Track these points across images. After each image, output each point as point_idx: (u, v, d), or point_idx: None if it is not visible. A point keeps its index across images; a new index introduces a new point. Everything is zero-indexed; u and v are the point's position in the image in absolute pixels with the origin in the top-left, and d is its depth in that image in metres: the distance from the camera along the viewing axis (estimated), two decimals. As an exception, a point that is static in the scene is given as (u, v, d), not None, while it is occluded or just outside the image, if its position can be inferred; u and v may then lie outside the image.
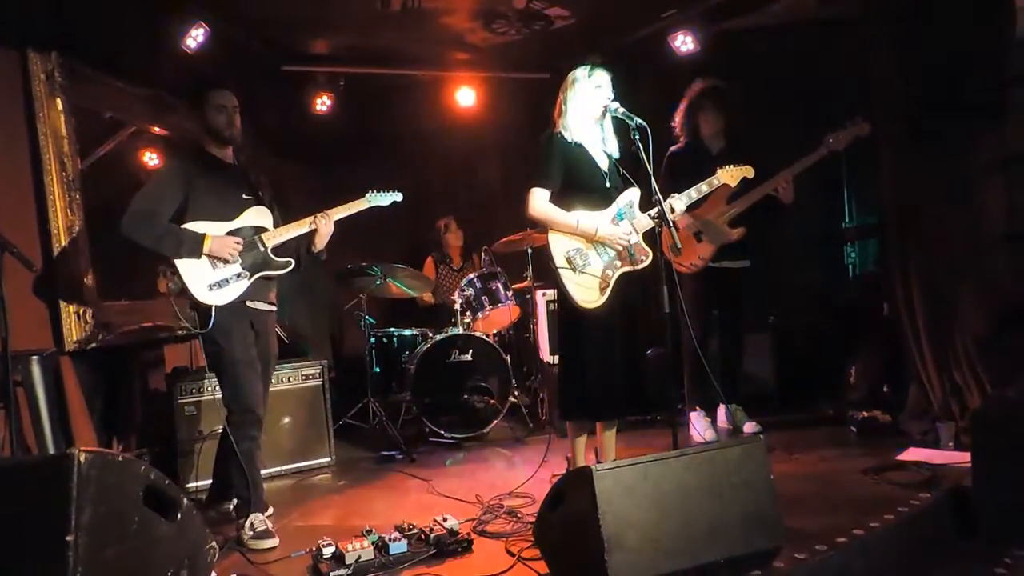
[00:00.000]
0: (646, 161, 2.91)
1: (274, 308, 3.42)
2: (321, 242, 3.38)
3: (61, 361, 3.50)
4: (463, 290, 5.14)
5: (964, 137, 3.84)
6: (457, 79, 6.11)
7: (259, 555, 2.91)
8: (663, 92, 5.31)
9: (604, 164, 3.22)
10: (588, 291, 3.05)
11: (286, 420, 4.28)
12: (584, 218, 3.08)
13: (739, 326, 4.44)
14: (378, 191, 3.58)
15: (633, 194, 3.19)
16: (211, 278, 3.11)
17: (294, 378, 4.35)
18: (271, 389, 4.09)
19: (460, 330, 5.01)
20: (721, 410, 4.37)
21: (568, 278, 3.04)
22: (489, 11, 4.94)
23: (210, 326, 3.09)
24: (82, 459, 1.64)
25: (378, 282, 4.93)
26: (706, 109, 4.27)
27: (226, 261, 3.13)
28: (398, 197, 3.64)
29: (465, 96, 6.15)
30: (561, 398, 3.27)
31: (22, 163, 3.62)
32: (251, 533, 3.06)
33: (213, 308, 3.09)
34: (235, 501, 3.31)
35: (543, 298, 5.39)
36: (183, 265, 3.08)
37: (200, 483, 3.83)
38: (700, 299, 4.27)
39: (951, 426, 3.73)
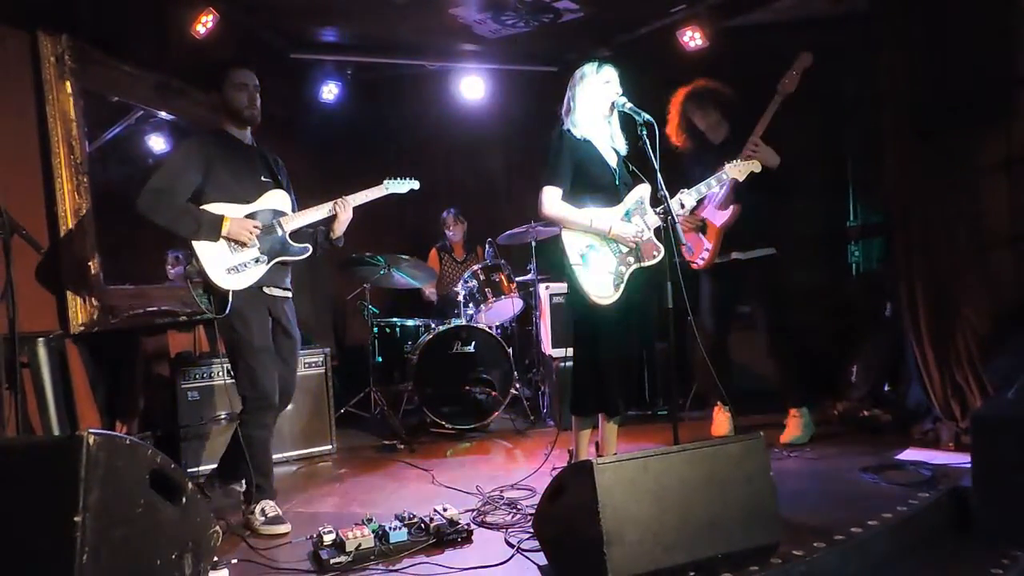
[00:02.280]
0: (653, 157, 2.92)
1: (289, 293, 3.37)
2: (340, 228, 3.36)
3: (67, 344, 3.52)
4: (466, 282, 5.15)
5: (969, 137, 3.84)
6: (465, 70, 6.10)
7: (261, 540, 2.93)
8: (671, 88, 5.30)
9: (613, 161, 3.23)
10: (603, 287, 3.05)
11: (288, 407, 4.28)
12: (598, 215, 3.09)
13: (773, 319, 4.18)
14: (396, 178, 3.56)
15: (643, 190, 3.20)
16: (229, 262, 3.05)
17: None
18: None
19: (463, 321, 5.03)
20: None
21: (582, 275, 3.05)
22: (498, 3, 4.93)
23: (227, 311, 3.04)
24: (91, 441, 1.65)
25: (382, 272, 4.94)
26: (694, 110, 4.23)
27: (244, 244, 3.08)
28: (415, 185, 3.62)
29: (472, 88, 6.14)
30: (573, 393, 3.27)
31: (31, 146, 3.62)
32: (263, 519, 3.06)
33: (230, 293, 3.04)
34: (243, 484, 3.33)
35: (546, 291, 5.40)
36: (201, 247, 3.02)
37: (203, 468, 3.86)
38: (717, 296, 4.24)
39: (951, 426, 3.75)
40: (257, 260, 3.12)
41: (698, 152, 4.21)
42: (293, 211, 3.30)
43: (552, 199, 3.10)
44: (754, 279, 4.14)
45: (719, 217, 4.09)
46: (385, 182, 3.52)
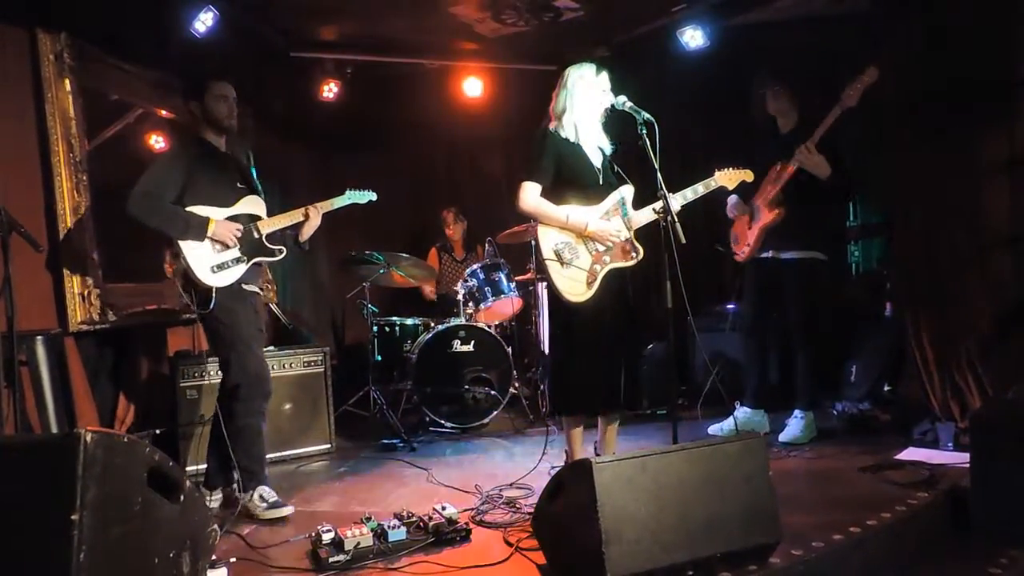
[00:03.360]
0: (653, 156, 2.91)
1: (261, 291, 3.56)
2: (307, 233, 3.52)
3: (65, 342, 3.52)
4: (466, 281, 5.15)
5: (969, 138, 3.84)
6: (464, 69, 6.10)
7: (258, 539, 2.92)
8: (671, 86, 5.31)
9: (598, 161, 3.23)
10: (574, 284, 3.06)
11: (287, 406, 4.29)
12: (575, 213, 3.10)
13: (802, 322, 4.10)
14: (357, 189, 3.70)
15: (626, 191, 3.20)
16: (213, 261, 3.21)
17: (296, 364, 4.36)
18: (273, 374, 4.13)
19: (462, 320, 5.02)
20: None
21: (555, 271, 3.06)
22: (498, 1, 4.92)
23: (211, 307, 3.18)
24: (88, 439, 1.64)
25: (381, 270, 4.94)
26: (768, 90, 4.21)
27: (227, 245, 3.23)
28: (373, 196, 3.76)
29: (472, 86, 6.13)
30: (551, 391, 3.29)
31: (30, 144, 3.62)
32: (264, 505, 3.15)
33: (214, 290, 3.18)
34: (234, 485, 3.35)
35: (546, 290, 5.39)
36: (187, 246, 3.17)
37: (201, 466, 3.84)
38: (754, 290, 4.27)
39: (950, 427, 3.74)
40: (238, 260, 3.28)
41: (764, 138, 4.19)
42: (267, 215, 3.45)
43: (530, 194, 3.12)
44: (790, 279, 4.11)
45: (765, 216, 4.09)
46: (348, 192, 3.68)
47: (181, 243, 3.15)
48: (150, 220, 3.13)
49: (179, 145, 3.48)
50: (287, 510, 3.16)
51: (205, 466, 3.52)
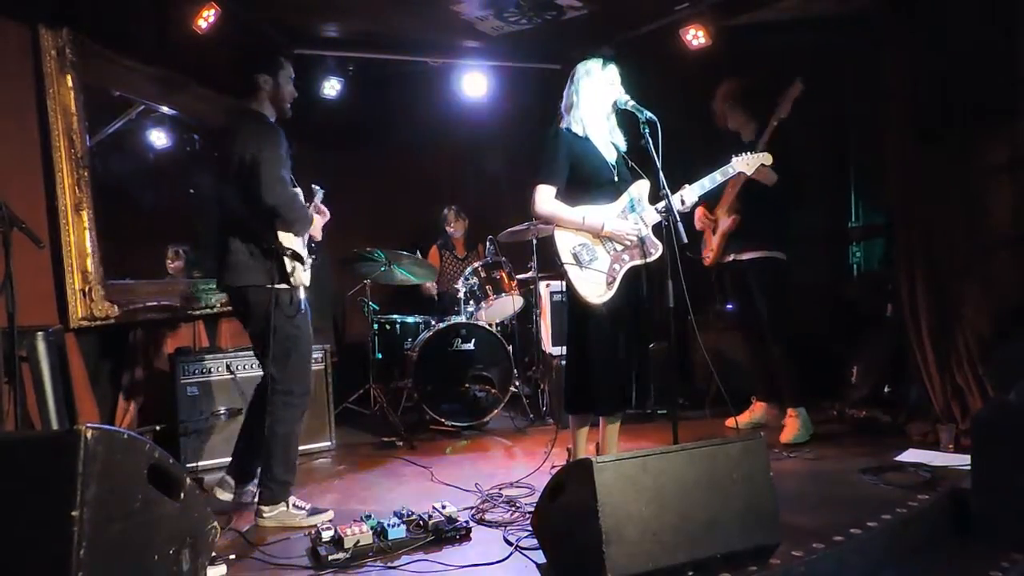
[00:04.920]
0: (655, 155, 2.91)
1: None
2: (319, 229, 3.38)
3: (66, 338, 3.51)
4: (467, 279, 5.14)
5: (971, 138, 3.84)
6: (467, 67, 6.08)
7: (258, 537, 2.93)
8: (674, 86, 5.30)
9: (612, 157, 3.21)
10: (594, 286, 3.04)
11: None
12: (590, 214, 3.07)
13: (770, 321, 4.15)
14: (319, 185, 3.46)
15: (641, 187, 3.18)
16: (306, 257, 3.05)
17: (297, 362, 4.35)
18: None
19: (463, 319, 5.02)
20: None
21: (574, 274, 3.03)
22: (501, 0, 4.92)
23: (302, 308, 3.01)
24: (89, 435, 1.64)
25: (382, 268, 4.93)
26: (725, 110, 4.31)
27: (315, 241, 3.07)
28: (323, 191, 3.45)
29: (474, 85, 6.12)
30: (566, 391, 3.27)
31: (31, 140, 3.62)
32: (304, 512, 3.06)
33: (302, 289, 3.02)
34: (256, 484, 3.34)
35: (547, 288, 5.39)
36: (296, 244, 2.96)
37: (201, 463, 3.86)
38: (729, 293, 4.41)
39: (951, 428, 3.74)
40: (308, 257, 3.11)
41: (730, 148, 4.20)
42: None
43: (545, 197, 3.09)
44: (752, 279, 4.18)
45: (724, 223, 4.21)
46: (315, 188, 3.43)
47: (294, 239, 2.93)
48: (288, 212, 2.86)
49: (278, 126, 3.04)
50: (328, 514, 3.07)
51: (212, 462, 3.42)
